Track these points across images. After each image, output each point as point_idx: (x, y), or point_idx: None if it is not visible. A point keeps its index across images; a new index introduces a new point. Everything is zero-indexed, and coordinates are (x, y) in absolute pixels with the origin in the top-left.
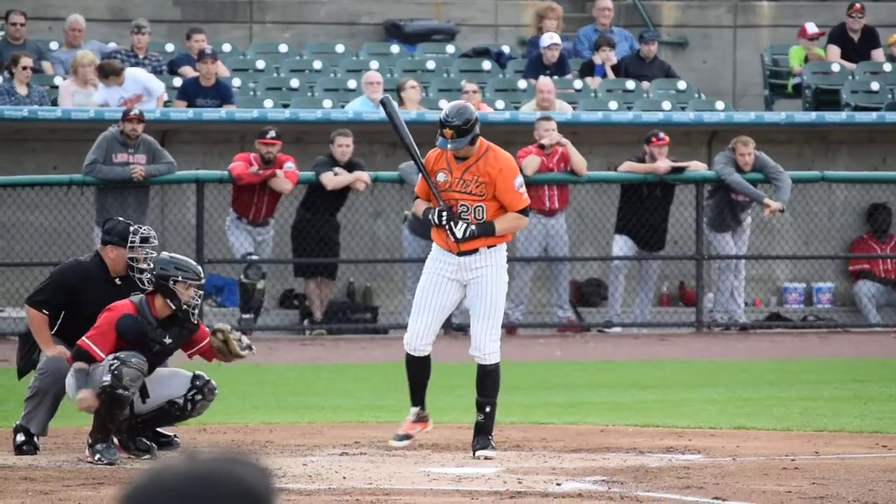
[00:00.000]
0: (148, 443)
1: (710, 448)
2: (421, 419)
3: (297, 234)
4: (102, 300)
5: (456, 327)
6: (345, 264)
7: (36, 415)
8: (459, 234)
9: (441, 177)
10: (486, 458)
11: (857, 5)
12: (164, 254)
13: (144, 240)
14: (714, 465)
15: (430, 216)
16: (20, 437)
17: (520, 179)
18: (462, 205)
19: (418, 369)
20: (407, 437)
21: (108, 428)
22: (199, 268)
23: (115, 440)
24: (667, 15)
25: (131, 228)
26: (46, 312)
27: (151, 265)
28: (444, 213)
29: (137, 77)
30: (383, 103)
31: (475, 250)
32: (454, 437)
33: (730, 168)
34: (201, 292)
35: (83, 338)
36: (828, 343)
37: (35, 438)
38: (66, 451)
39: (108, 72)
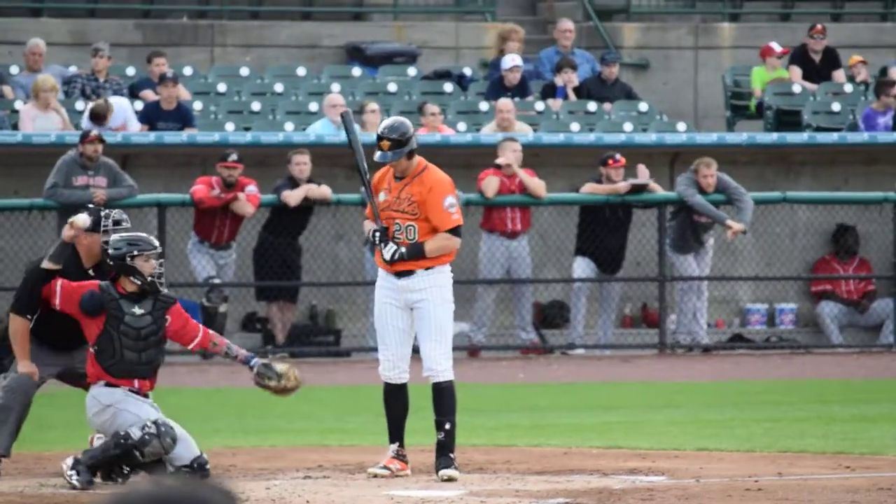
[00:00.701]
0: (122, 469)
1: (673, 469)
2: (401, 457)
3: (259, 257)
4: None
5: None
6: (307, 287)
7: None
8: (387, 256)
9: (382, 196)
10: (449, 477)
11: (819, 26)
12: (114, 235)
13: (117, 223)
14: (678, 487)
15: (366, 235)
16: None
17: (450, 200)
18: (396, 223)
19: (396, 400)
20: (387, 468)
21: (101, 465)
22: (153, 238)
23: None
24: (628, 36)
25: (102, 213)
26: (30, 317)
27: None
28: (378, 234)
29: (122, 105)
30: (343, 117)
31: (411, 272)
32: (416, 459)
33: (692, 189)
34: (162, 260)
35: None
36: (791, 364)
37: None
38: (27, 476)
39: (100, 114)
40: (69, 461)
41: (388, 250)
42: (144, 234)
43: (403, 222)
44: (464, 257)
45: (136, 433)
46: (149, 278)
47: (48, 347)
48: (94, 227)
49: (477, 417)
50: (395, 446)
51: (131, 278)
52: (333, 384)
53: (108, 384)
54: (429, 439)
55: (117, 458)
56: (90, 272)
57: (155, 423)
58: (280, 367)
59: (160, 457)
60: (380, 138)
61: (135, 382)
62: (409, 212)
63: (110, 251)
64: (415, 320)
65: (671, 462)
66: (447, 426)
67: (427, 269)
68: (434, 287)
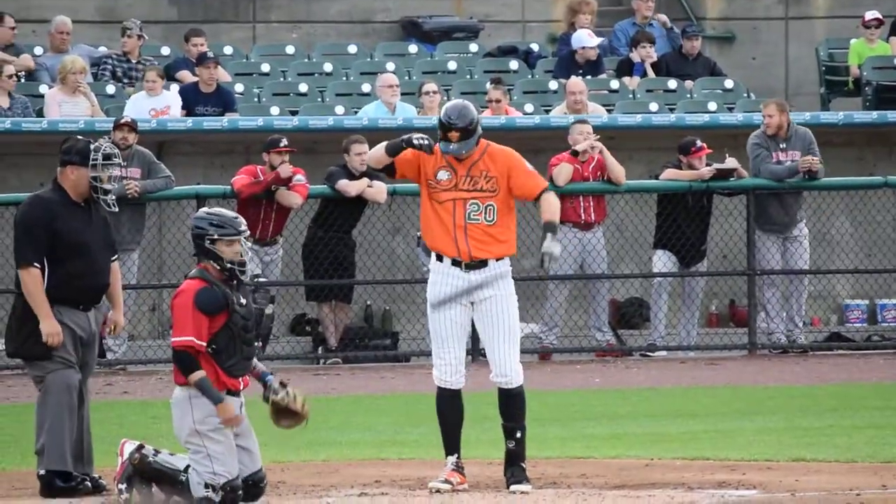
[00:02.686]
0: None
1: (766, 483)
2: (459, 469)
3: (308, 253)
4: (77, 225)
5: (484, 354)
6: (361, 286)
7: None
8: (553, 250)
9: (444, 174)
10: (521, 492)
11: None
12: (202, 210)
13: (107, 157)
14: (771, 502)
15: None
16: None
17: (527, 165)
18: (472, 203)
19: (454, 407)
20: (448, 482)
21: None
22: (240, 218)
23: None
24: (711, 7)
25: (92, 146)
26: (38, 266)
27: (116, 185)
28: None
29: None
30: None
31: (483, 263)
32: (483, 473)
33: (764, 151)
34: (249, 243)
35: (172, 340)
36: (894, 365)
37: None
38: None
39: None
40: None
41: (552, 245)
42: (231, 214)
43: (483, 202)
44: (533, 252)
45: (216, 497)
46: (228, 265)
47: (70, 306)
48: (83, 161)
49: (549, 427)
50: (453, 458)
51: (212, 262)
52: (391, 391)
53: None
54: (495, 452)
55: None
56: (82, 203)
57: (233, 487)
58: (294, 390)
59: None
60: (446, 128)
61: (240, 381)
62: (488, 189)
63: (192, 227)
64: (480, 319)
65: (763, 474)
66: (518, 434)
67: (498, 259)
68: (505, 281)
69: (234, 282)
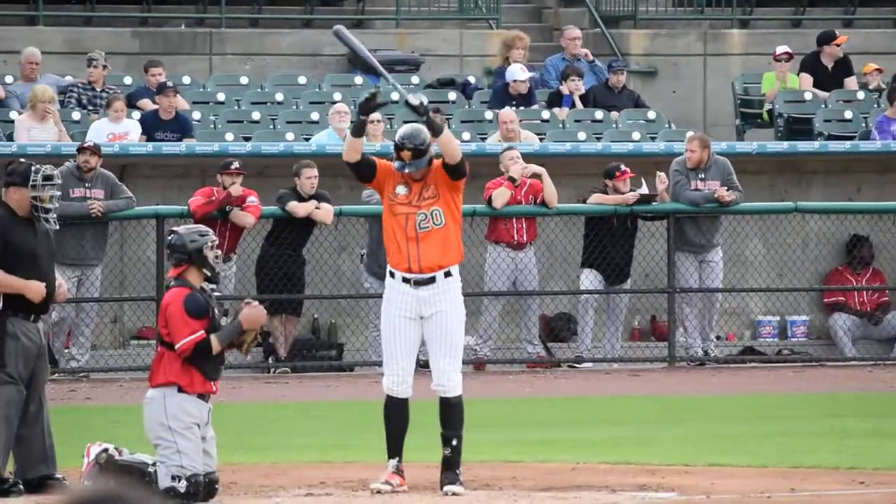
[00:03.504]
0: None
1: (683, 486)
2: (399, 472)
3: (260, 269)
4: (27, 237)
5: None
6: (309, 300)
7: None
8: (423, 101)
9: (402, 189)
10: (454, 493)
11: (842, 37)
12: (176, 229)
13: (47, 178)
14: None
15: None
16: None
17: None
18: (420, 214)
19: (399, 415)
20: (388, 483)
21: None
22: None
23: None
24: (636, 44)
25: (33, 168)
26: None
27: (57, 204)
28: (372, 94)
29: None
30: (336, 33)
31: (431, 279)
32: (422, 476)
33: (684, 179)
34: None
35: (177, 347)
36: (803, 377)
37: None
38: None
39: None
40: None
41: (417, 97)
42: (201, 225)
43: (428, 209)
44: (469, 269)
45: (182, 487)
46: (215, 269)
47: (23, 316)
48: (23, 182)
49: (483, 433)
50: (394, 461)
51: (203, 269)
52: (336, 399)
53: (188, 395)
54: (433, 456)
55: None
56: (27, 220)
57: (196, 481)
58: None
59: None
60: (399, 148)
61: (213, 385)
62: (430, 197)
63: (185, 245)
64: (427, 331)
65: (681, 478)
66: (454, 442)
67: (446, 275)
68: (451, 298)
69: (213, 284)
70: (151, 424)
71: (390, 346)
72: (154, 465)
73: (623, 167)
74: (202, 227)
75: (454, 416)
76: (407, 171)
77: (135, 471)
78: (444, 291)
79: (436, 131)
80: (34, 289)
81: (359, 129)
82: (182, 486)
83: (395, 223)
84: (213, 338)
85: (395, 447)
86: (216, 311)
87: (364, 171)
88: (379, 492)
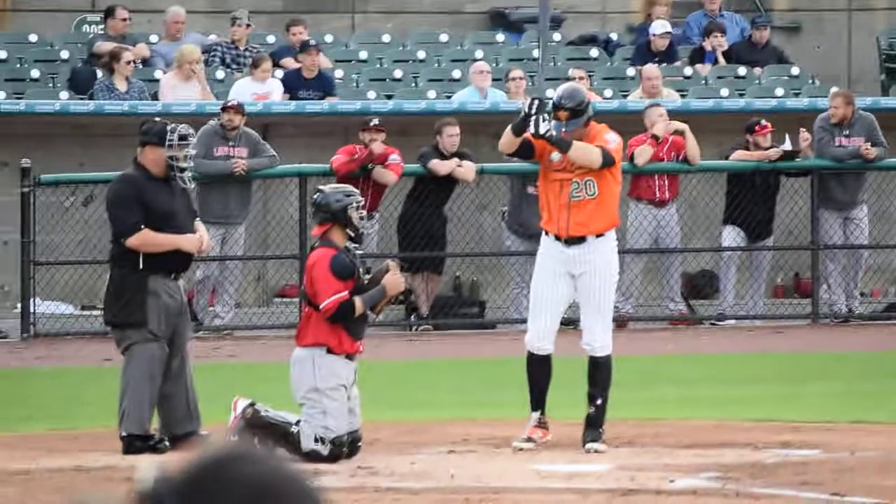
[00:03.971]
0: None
1: (827, 443)
2: (542, 425)
3: (402, 227)
4: (162, 197)
5: (564, 322)
6: (451, 258)
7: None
8: (541, 130)
9: (556, 156)
10: (595, 451)
11: None
12: (322, 187)
13: (183, 137)
14: (832, 461)
15: (523, 108)
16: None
17: (613, 136)
18: (573, 182)
19: (541, 371)
20: (531, 440)
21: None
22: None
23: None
24: None
25: (168, 127)
26: (142, 227)
27: (192, 163)
28: (537, 102)
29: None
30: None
31: (582, 239)
32: (564, 433)
33: (828, 136)
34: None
35: (321, 307)
36: None
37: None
38: (67, 455)
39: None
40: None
41: (544, 126)
42: (347, 185)
43: (581, 179)
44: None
45: (325, 451)
46: (359, 229)
47: (163, 274)
48: (160, 141)
49: (625, 391)
50: (536, 414)
51: (347, 230)
52: (479, 356)
53: (336, 356)
54: (575, 413)
55: (270, 438)
56: (162, 179)
57: (340, 443)
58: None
59: None
60: (556, 107)
61: (359, 345)
62: (585, 166)
63: (331, 205)
64: (579, 290)
65: (825, 435)
66: (599, 401)
67: (598, 236)
68: (602, 257)
69: (355, 246)
70: (300, 384)
71: (537, 301)
72: (298, 423)
73: (763, 121)
74: (348, 187)
75: (601, 376)
76: (564, 131)
77: (279, 429)
78: (596, 251)
79: (563, 150)
80: (188, 242)
81: (519, 131)
82: (326, 449)
83: (550, 189)
84: (357, 299)
85: (537, 401)
86: (360, 271)
87: (522, 152)
88: (521, 450)
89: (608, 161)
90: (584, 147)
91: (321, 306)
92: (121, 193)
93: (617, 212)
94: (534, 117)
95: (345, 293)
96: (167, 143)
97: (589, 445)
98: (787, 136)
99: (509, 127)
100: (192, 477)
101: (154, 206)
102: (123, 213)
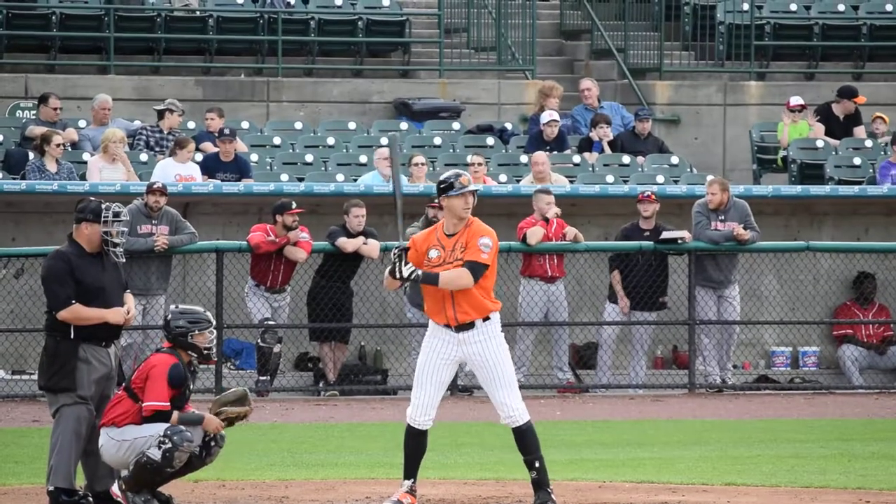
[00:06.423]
0: (167, 495)
1: (702, 503)
2: (412, 492)
3: (312, 300)
4: (94, 272)
5: (461, 388)
6: (357, 329)
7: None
8: (406, 273)
9: (434, 253)
10: None
11: (861, 97)
12: (172, 307)
13: (116, 215)
14: None
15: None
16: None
17: (486, 241)
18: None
19: (417, 444)
20: (399, 502)
21: (144, 485)
22: (206, 312)
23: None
24: (660, 94)
25: (103, 205)
26: (74, 302)
27: (124, 239)
28: (402, 252)
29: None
30: (391, 142)
31: (471, 325)
32: (460, 492)
33: (705, 220)
34: (214, 329)
35: (145, 404)
36: (813, 404)
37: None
38: None
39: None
40: (117, 488)
41: (408, 269)
42: (199, 309)
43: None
44: (504, 301)
45: (155, 454)
46: (204, 351)
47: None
48: (96, 218)
49: (516, 454)
50: (409, 482)
51: (189, 352)
52: (381, 420)
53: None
54: (472, 473)
55: (150, 480)
56: (94, 255)
57: (166, 435)
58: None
59: (189, 458)
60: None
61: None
62: (460, 258)
63: (172, 329)
64: (476, 369)
65: (700, 496)
66: (537, 464)
67: (484, 319)
68: (491, 337)
69: (201, 364)
70: (110, 460)
71: (421, 380)
72: (143, 455)
73: (648, 191)
74: (198, 312)
75: (529, 441)
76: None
77: (139, 468)
78: (484, 332)
79: (433, 284)
80: (114, 315)
81: (392, 275)
82: (166, 444)
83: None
84: (175, 413)
85: (410, 470)
86: (191, 386)
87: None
88: None
89: (480, 275)
90: (451, 276)
91: (145, 404)
92: (54, 269)
93: (492, 297)
94: (397, 265)
95: (167, 403)
96: (102, 219)
97: None
98: (670, 226)
99: (387, 271)
100: None
101: (85, 281)
102: (56, 288)
